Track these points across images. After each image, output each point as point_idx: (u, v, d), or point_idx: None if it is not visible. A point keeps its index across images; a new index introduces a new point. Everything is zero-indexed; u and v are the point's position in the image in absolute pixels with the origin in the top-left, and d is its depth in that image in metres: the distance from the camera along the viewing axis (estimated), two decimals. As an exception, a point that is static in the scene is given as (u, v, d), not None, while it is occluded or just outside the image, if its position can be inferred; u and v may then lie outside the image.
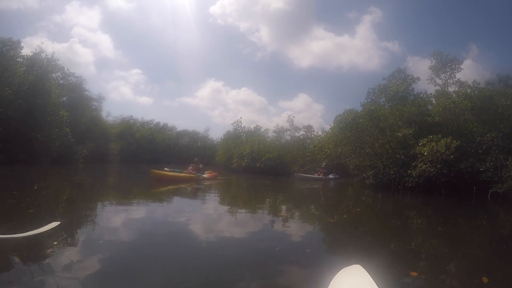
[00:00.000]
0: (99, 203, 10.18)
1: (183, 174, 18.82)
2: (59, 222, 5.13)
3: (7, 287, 3.41)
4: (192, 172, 19.61)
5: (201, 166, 20.79)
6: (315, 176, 29.41)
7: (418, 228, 8.76)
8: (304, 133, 50.22)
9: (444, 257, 5.78)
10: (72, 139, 32.85)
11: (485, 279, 4.24)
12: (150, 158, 55.39)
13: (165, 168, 19.11)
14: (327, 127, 32.65)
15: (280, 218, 8.87)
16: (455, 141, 16.20)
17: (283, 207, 11.80)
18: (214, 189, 17.34)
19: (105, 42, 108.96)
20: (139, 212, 8.61)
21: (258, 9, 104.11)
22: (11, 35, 39.48)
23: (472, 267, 5.19)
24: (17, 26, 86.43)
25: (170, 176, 17.71)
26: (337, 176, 30.22)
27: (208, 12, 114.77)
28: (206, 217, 8.71)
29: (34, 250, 4.66)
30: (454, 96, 19.96)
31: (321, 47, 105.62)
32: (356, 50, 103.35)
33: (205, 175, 20.43)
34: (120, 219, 7.40)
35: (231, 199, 13.59)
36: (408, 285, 4.33)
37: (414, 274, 4.52)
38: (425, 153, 16.68)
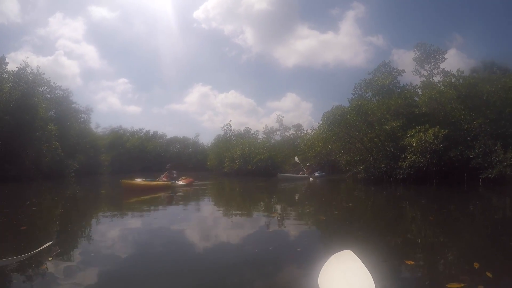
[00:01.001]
0: (91, 216, 10.13)
1: (156, 183, 18.07)
2: (51, 242, 5.20)
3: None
4: (166, 179, 18.83)
5: (175, 172, 19.82)
6: (299, 175, 28.94)
7: (410, 219, 8.82)
8: (294, 132, 50.39)
9: (436, 245, 5.83)
10: (62, 153, 32.51)
11: (476, 264, 4.28)
12: (142, 167, 55.19)
13: (136, 179, 18.33)
14: (317, 125, 32.70)
15: (271, 218, 8.89)
16: (443, 130, 16.42)
17: (274, 208, 11.83)
18: (192, 195, 16.31)
19: (90, 52, 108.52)
20: (132, 223, 8.59)
21: (241, 11, 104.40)
22: (-5, 51, 39.06)
23: (463, 254, 5.24)
24: (0, 42, 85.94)
25: (142, 186, 16.79)
26: (323, 174, 29.88)
27: (192, 17, 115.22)
28: (187, 226, 8.65)
29: (30, 267, 4.62)
30: (440, 86, 20.17)
31: (306, 45, 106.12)
32: (341, 47, 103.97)
33: (180, 182, 19.55)
34: (113, 231, 7.39)
35: (207, 205, 13.02)
36: (400, 273, 4.38)
37: (410, 262, 4.57)
38: (414, 144, 16.89)
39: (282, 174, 29.25)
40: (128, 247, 6.01)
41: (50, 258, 4.92)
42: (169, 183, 18.37)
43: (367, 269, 2.68)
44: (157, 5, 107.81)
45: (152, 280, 4.10)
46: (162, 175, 19.37)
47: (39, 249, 4.61)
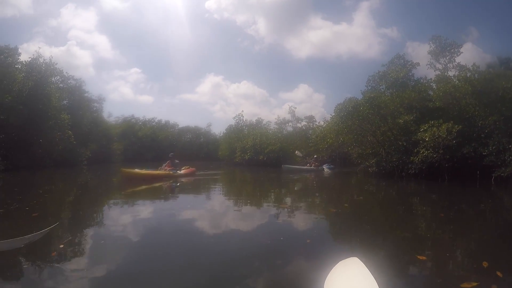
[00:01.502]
0: (102, 203, 10.24)
1: (157, 172, 17.70)
2: (57, 223, 5.41)
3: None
4: (168, 169, 18.43)
5: (177, 162, 19.23)
6: (305, 167, 28.38)
7: (419, 215, 8.72)
8: (306, 123, 50.04)
9: (445, 242, 5.77)
10: (74, 142, 32.95)
11: (485, 263, 4.23)
12: (154, 156, 55.58)
13: (136, 170, 17.08)
14: (329, 117, 32.35)
15: (281, 209, 8.89)
16: (456, 125, 16.13)
17: (284, 199, 11.79)
18: (192, 186, 15.79)
19: (102, 43, 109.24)
20: (142, 211, 8.63)
21: (253, 1, 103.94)
22: (8, 42, 39.43)
23: (472, 252, 5.19)
24: (13, 33, 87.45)
25: (143, 175, 16.45)
26: (331, 166, 29.21)
27: (203, 7, 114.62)
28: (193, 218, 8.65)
29: (42, 253, 4.70)
30: (456, 80, 19.79)
31: (319, 36, 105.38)
32: (354, 38, 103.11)
33: (181, 172, 19.17)
34: (122, 218, 7.45)
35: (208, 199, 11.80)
36: (409, 269, 4.35)
37: (422, 257, 4.58)
38: (427, 139, 16.62)
39: (287, 166, 28.62)
40: (137, 235, 6.06)
41: (61, 246, 4.98)
42: (171, 172, 18.08)
43: (373, 277, 2.64)
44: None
45: (161, 269, 4.13)
46: (164, 164, 19.06)
47: (46, 229, 4.65)
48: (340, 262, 3.07)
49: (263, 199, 11.93)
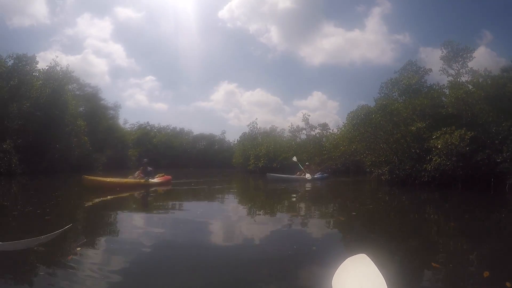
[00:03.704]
0: (114, 208, 10.36)
1: (126, 180, 15.56)
2: (71, 224, 5.43)
3: None
4: (139, 177, 16.16)
5: (150, 169, 17.00)
6: (294, 176, 25.12)
7: (431, 224, 8.61)
8: (319, 131, 49.89)
9: (457, 252, 5.68)
10: (90, 148, 33.72)
11: (486, 273, 4.17)
12: (169, 163, 56.12)
13: (100, 178, 15.15)
14: (342, 124, 32.01)
15: (289, 217, 8.91)
16: (469, 132, 15.88)
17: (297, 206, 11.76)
18: (164, 197, 14.41)
19: (117, 51, 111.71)
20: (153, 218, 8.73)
21: (265, 10, 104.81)
22: (26, 51, 40.47)
23: (483, 262, 5.09)
24: (31, 42, 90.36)
25: (108, 184, 14.29)
26: (325, 175, 27.23)
27: (217, 16, 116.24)
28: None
29: (57, 257, 4.77)
30: (470, 86, 19.54)
31: (332, 43, 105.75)
32: (367, 44, 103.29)
33: (155, 180, 17.09)
34: (135, 223, 7.58)
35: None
36: (421, 279, 4.32)
37: (436, 266, 4.55)
38: (439, 146, 16.42)
39: (272, 174, 25.78)
40: (151, 241, 6.13)
41: (78, 249, 5.07)
42: (142, 180, 15.95)
43: (381, 274, 2.67)
44: (181, 6, 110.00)
45: (169, 272, 4.21)
46: (137, 172, 16.77)
47: (59, 231, 4.72)
48: (348, 258, 3.09)
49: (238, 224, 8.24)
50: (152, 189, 15.69)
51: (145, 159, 18.26)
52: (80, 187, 13.67)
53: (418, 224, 8.38)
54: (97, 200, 11.29)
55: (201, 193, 15.90)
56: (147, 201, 12.75)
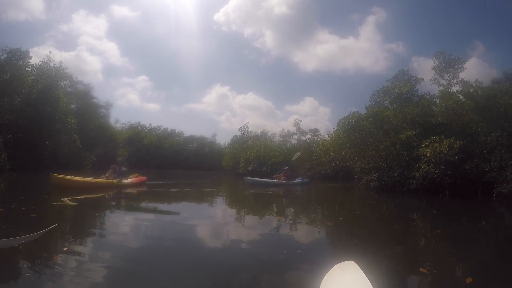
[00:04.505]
0: (103, 206, 10.31)
1: (97, 180, 15.07)
2: (57, 223, 5.42)
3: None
4: (111, 177, 15.69)
5: (124, 169, 16.62)
6: (272, 181, 24.22)
7: (416, 230, 8.71)
8: (310, 136, 50.04)
9: (441, 258, 5.75)
10: (80, 146, 33.41)
11: (469, 279, 4.24)
12: (158, 164, 55.90)
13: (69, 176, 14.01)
14: (333, 130, 32.05)
15: (276, 222, 8.97)
16: (458, 141, 16.08)
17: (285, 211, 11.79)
18: (138, 198, 14.07)
19: (111, 49, 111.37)
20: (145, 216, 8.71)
21: (261, 15, 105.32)
22: (20, 45, 40.42)
23: (465, 269, 5.16)
24: (25, 37, 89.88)
25: (78, 183, 13.83)
26: (305, 180, 25.97)
27: (212, 19, 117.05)
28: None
29: (44, 256, 4.77)
30: (461, 97, 19.77)
31: (325, 50, 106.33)
32: (361, 52, 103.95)
33: (128, 181, 16.58)
34: (122, 222, 7.55)
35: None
36: (402, 284, 4.37)
37: (423, 270, 4.65)
38: (428, 154, 16.60)
39: (250, 178, 24.98)
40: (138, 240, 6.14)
41: (65, 248, 5.05)
42: (115, 181, 15.48)
43: (369, 281, 2.69)
44: (177, 7, 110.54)
45: (154, 277, 4.20)
46: (108, 171, 16.20)
47: (44, 230, 4.69)
48: (335, 265, 3.10)
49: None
50: (127, 190, 15.47)
51: (119, 158, 18.09)
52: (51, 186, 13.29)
53: (405, 230, 8.48)
54: (69, 199, 10.71)
55: (179, 195, 15.71)
56: (120, 203, 12.53)
